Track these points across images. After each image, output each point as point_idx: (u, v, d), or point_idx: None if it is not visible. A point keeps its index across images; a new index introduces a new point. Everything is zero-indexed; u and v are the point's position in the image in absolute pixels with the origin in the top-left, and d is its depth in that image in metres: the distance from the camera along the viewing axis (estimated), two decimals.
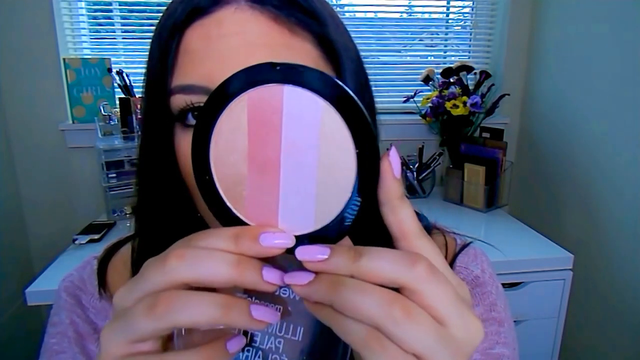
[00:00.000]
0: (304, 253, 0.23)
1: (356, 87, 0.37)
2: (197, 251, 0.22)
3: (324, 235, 0.24)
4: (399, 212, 0.23)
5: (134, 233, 0.44)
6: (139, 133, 0.40)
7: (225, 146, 0.24)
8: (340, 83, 0.22)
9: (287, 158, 0.23)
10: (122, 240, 0.49)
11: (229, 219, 0.25)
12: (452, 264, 0.47)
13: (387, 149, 0.24)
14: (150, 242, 0.42)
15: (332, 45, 0.35)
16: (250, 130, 0.23)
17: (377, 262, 0.22)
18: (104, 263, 0.47)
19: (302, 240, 0.24)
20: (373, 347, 0.21)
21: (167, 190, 0.38)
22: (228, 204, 0.24)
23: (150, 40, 0.36)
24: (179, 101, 0.33)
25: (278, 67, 0.22)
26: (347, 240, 0.26)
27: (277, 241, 0.23)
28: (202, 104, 0.32)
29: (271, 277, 0.23)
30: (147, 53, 0.37)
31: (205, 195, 0.24)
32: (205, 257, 0.22)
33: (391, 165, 0.23)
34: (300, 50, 0.33)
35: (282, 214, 0.24)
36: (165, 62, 0.33)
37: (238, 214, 0.24)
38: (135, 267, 0.43)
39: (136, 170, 0.41)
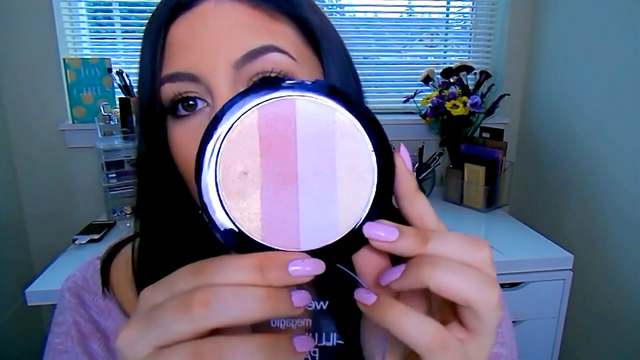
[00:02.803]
0: (372, 231, 0.22)
1: (339, 71, 0.38)
2: (221, 293, 0.20)
3: (350, 241, 0.23)
4: (417, 205, 0.24)
5: (135, 233, 0.44)
6: (136, 131, 0.41)
7: (235, 166, 0.23)
8: (346, 91, 0.23)
9: (305, 169, 0.23)
10: (125, 240, 0.49)
11: (246, 245, 0.23)
12: None
13: (394, 148, 0.24)
14: (151, 240, 0.42)
15: (311, 28, 0.36)
16: (263, 147, 0.22)
17: (445, 246, 0.22)
18: (107, 262, 0.47)
19: (326, 251, 0.23)
20: (435, 349, 0.22)
21: (165, 185, 0.38)
22: (242, 229, 0.23)
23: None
24: (168, 91, 0.34)
25: (285, 81, 0.23)
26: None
27: (308, 268, 0.21)
28: (190, 93, 0.33)
29: (301, 301, 0.22)
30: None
31: (213, 222, 0.23)
32: (233, 298, 0.20)
33: (403, 160, 0.23)
34: (281, 33, 0.34)
35: (303, 227, 0.23)
36: (154, 58, 0.35)
37: (255, 238, 0.23)
38: (136, 267, 0.43)
39: (135, 168, 0.41)
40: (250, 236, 0.23)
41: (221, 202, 0.23)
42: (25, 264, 1.53)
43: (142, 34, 0.37)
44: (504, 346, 0.45)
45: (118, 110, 1.40)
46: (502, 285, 1.19)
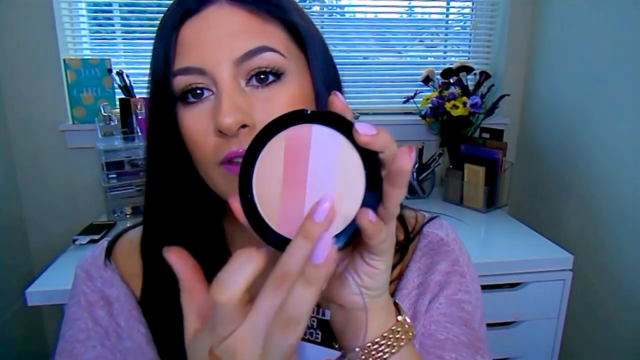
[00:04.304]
0: (364, 128, 0.28)
1: (322, 65, 0.46)
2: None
3: (338, 241, 0.29)
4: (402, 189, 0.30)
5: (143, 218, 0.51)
6: (147, 116, 0.47)
7: (266, 171, 0.30)
8: (353, 121, 0.29)
9: (312, 179, 0.29)
10: (133, 226, 0.57)
11: (263, 229, 0.30)
12: (420, 230, 0.56)
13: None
14: (158, 223, 0.48)
15: (297, 29, 0.44)
16: (286, 158, 0.29)
17: (391, 145, 0.29)
18: (113, 240, 0.56)
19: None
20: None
21: (172, 164, 0.45)
22: (263, 216, 0.30)
23: (152, 41, 0.43)
24: (179, 82, 0.41)
25: (308, 112, 0.29)
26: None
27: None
28: (198, 84, 0.40)
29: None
30: (147, 53, 0.43)
31: (246, 209, 0.30)
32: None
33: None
34: (273, 35, 0.42)
35: None
36: (167, 53, 0.41)
37: (271, 225, 0.30)
38: (142, 246, 0.50)
39: (145, 150, 0.47)
40: (270, 224, 0.30)
41: (254, 197, 0.30)
42: (25, 265, 1.53)
43: (152, 34, 0.44)
44: (468, 294, 0.52)
45: (118, 110, 1.40)
46: (502, 286, 1.19)
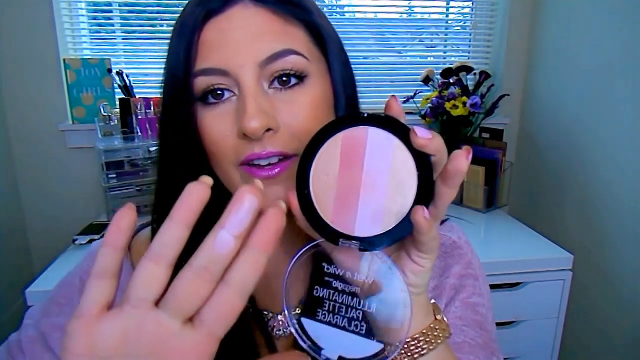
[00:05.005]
0: (422, 132, 0.30)
1: (340, 66, 0.46)
2: None
3: (390, 237, 0.31)
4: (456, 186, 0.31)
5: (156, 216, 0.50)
6: (160, 116, 0.47)
7: (322, 169, 0.32)
8: (407, 125, 0.31)
9: (367, 178, 0.31)
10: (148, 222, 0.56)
11: (319, 224, 0.32)
12: None
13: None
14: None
15: (319, 31, 0.44)
16: (342, 158, 0.32)
17: (443, 149, 0.31)
18: (132, 235, 0.53)
19: (374, 241, 0.31)
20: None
21: (187, 164, 0.44)
22: (319, 211, 0.32)
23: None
24: (201, 83, 0.40)
25: (365, 115, 0.31)
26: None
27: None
28: (220, 85, 0.40)
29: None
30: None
31: (302, 205, 0.32)
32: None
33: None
34: (296, 37, 0.42)
35: (359, 220, 0.31)
36: (188, 53, 0.40)
37: (325, 220, 0.32)
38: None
39: (158, 151, 0.47)
40: (325, 219, 0.32)
41: (310, 193, 0.32)
42: (25, 265, 1.53)
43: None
44: (481, 297, 0.53)
45: (118, 110, 1.40)
46: (502, 286, 1.19)
